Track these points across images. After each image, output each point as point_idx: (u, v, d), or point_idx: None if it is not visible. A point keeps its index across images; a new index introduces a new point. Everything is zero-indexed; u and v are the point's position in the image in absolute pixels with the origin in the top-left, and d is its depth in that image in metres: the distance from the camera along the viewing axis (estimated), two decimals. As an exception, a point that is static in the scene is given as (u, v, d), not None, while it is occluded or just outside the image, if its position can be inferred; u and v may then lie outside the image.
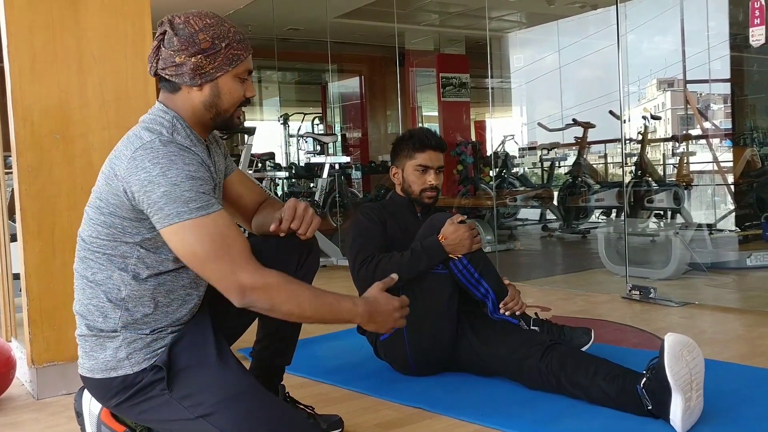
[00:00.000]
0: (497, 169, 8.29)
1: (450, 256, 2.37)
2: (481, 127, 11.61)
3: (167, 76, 1.63)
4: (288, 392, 2.01)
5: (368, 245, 2.46)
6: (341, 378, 2.49)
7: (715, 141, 7.08)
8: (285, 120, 10.31)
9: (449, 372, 2.46)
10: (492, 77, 11.02)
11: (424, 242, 2.39)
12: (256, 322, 1.96)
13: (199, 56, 1.59)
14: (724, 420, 1.94)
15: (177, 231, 1.50)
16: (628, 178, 6.50)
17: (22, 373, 2.57)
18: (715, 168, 6.86)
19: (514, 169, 8.84)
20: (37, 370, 2.41)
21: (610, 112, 6.19)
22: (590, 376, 2.07)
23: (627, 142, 6.62)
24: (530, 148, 9.20)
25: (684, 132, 7.52)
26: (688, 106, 7.66)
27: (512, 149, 8.92)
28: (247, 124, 7.58)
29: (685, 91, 7.86)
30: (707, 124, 7.41)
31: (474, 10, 8.59)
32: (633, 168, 6.75)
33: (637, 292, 3.77)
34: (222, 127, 1.72)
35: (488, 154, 9.61)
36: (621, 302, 3.74)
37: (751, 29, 3.25)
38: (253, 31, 8.15)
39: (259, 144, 11.02)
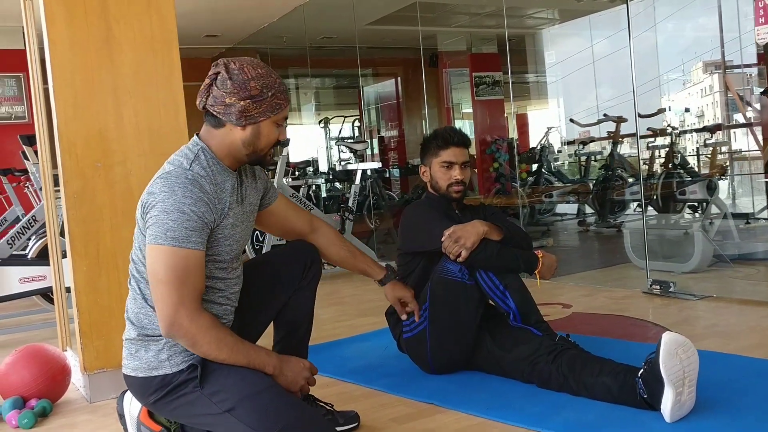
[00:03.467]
0: (536, 165, 8.38)
1: (536, 273, 2.56)
2: (517, 123, 11.67)
3: (215, 113, 1.87)
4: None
5: (445, 220, 2.58)
6: (363, 377, 2.68)
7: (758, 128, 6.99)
8: (326, 123, 10.56)
9: (463, 371, 2.62)
10: (527, 73, 11.11)
11: (529, 254, 2.58)
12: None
13: (248, 101, 1.83)
14: (716, 410, 2.06)
15: (152, 250, 1.76)
16: (648, 172, 6.52)
17: (77, 379, 2.84)
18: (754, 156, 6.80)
19: (553, 164, 8.91)
20: (89, 376, 2.67)
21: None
22: (595, 375, 2.21)
23: (655, 135, 6.64)
24: (569, 143, 9.26)
25: (719, 121, 7.47)
26: (728, 92, 7.61)
27: (555, 141, 8.99)
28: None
29: (725, 75, 7.80)
30: (749, 111, 7.33)
31: (508, 9, 8.68)
32: (664, 160, 6.76)
33: (658, 287, 3.88)
34: (255, 163, 1.97)
35: (524, 150, 9.70)
36: (641, 297, 3.85)
37: (756, 28, 3.33)
38: (287, 42, 8.42)
39: (300, 148, 11.32)
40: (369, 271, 2.42)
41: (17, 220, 4.98)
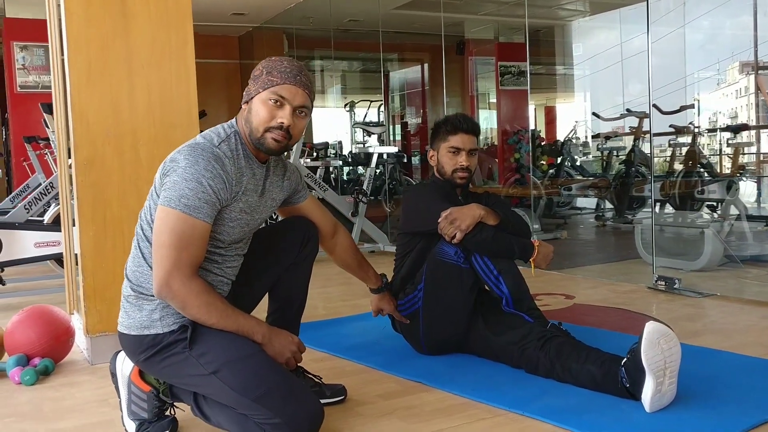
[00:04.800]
0: (561, 158, 8.34)
1: (531, 261, 2.58)
2: (541, 115, 11.61)
3: None
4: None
5: (444, 202, 2.60)
6: (357, 354, 2.74)
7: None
8: (351, 107, 10.60)
9: (455, 353, 2.67)
10: (554, 65, 11.03)
11: (525, 241, 2.58)
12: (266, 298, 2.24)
13: (251, 81, 1.95)
14: (696, 403, 2.08)
15: (162, 211, 1.82)
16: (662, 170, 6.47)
17: (81, 341, 2.92)
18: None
19: (577, 158, 8.87)
20: (91, 339, 2.76)
21: (654, 105, 6.16)
22: (581, 362, 2.24)
23: (677, 132, 6.58)
24: (594, 137, 9.20)
25: (742, 121, 7.37)
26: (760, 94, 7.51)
27: (581, 135, 8.95)
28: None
29: (757, 77, 7.70)
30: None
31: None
32: (684, 158, 6.70)
33: (663, 283, 3.88)
34: (258, 148, 1.95)
35: (545, 142, 9.66)
36: (645, 292, 3.85)
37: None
38: (313, 23, 8.46)
39: (326, 130, 11.37)
40: (367, 279, 2.55)
41: (39, 186, 5.09)
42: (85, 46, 2.69)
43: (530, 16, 9.20)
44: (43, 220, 4.16)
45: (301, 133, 2.00)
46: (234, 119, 2.01)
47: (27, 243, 3.93)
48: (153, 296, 1.88)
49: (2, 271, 4.30)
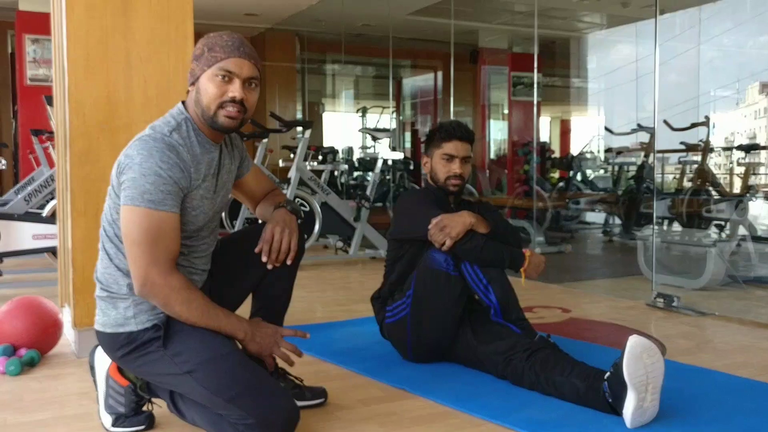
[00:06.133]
0: (572, 171, 8.30)
1: (522, 271, 2.54)
2: (555, 127, 11.56)
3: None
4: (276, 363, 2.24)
5: (435, 209, 2.58)
6: (344, 359, 2.71)
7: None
8: (363, 113, 10.60)
9: (442, 362, 2.64)
10: (568, 77, 10.99)
11: (515, 251, 2.55)
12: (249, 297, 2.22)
13: (193, 62, 1.90)
14: (678, 421, 2.04)
15: (127, 210, 1.80)
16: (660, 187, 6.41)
17: (70, 334, 2.92)
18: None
19: (588, 172, 8.83)
20: (79, 332, 2.75)
21: (664, 121, 6.13)
22: (566, 375, 2.21)
23: (687, 150, 6.53)
24: (606, 151, 9.15)
25: (761, 142, 7.31)
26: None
27: (595, 149, 8.91)
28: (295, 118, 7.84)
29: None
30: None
31: (548, 9, 8.61)
32: (693, 176, 6.65)
33: (662, 300, 3.83)
34: (213, 127, 1.90)
35: (555, 155, 9.61)
36: (643, 309, 3.81)
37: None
38: (325, 27, 8.47)
39: (337, 135, 11.37)
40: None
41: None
42: (84, 38, 2.69)
43: (546, 27, 9.20)
44: (42, 213, 4.17)
45: (254, 106, 1.93)
46: (180, 104, 1.95)
47: (25, 234, 3.95)
48: (125, 295, 1.87)
49: (1, 261, 4.32)
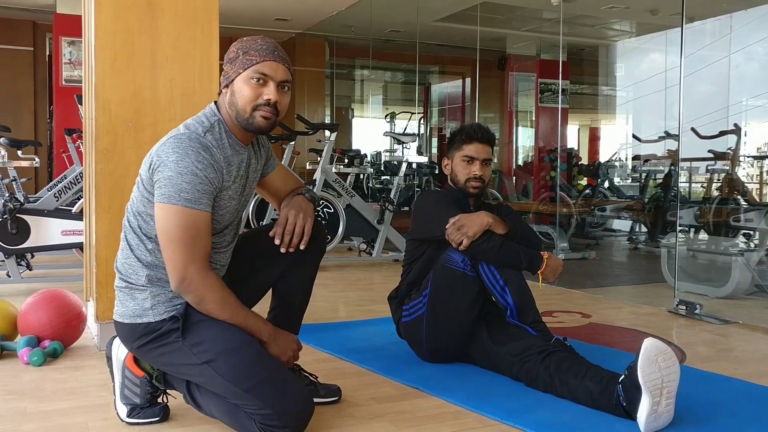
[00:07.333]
0: (599, 179, 8.24)
1: (539, 273, 2.54)
2: (584, 134, 11.48)
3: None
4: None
5: (454, 209, 2.60)
6: (360, 357, 2.73)
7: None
8: (392, 118, 10.65)
9: (458, 362, 2.64)
10: (596, 84, 10.92)
11: (533, 253, 2.55)
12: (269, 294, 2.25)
13: (227, 64, 1.94)
14: (694, 427, 2.02)
15: (163, 209, 1.83)
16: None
17: (93, 327, 2.98)
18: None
19: (616, 179, 8.76)
20: (101, 325, 2.80)
21: (692, 129, 6.06)
22: (580, 377, 2.20)
23: (716, 159, 6.45)
24: (634, 158, 9.08)
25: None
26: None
27: (623, 157, 8.84)
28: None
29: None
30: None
31: (577, 17, 8.57)
32: (720, 184, 6.56)
33: (684, 307, 3.79)
34: (248, 128, 1.95)
35: (581, 161, 9.55)
36: (665, 316, 3.77)
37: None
38: (354, 32, 8.52)
39: (366, 140, 11.41)
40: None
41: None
42: (111, 38, 2.75)
43: (575, 34, 9.15)
44: (71, 210, 4.26)
45: (285, 108, 1.97)
46: (213, 105, 1.99)
47: (54, 230, 4.03)
48: (143, 286, 1.91)
49: (32, 257, 4.41)
